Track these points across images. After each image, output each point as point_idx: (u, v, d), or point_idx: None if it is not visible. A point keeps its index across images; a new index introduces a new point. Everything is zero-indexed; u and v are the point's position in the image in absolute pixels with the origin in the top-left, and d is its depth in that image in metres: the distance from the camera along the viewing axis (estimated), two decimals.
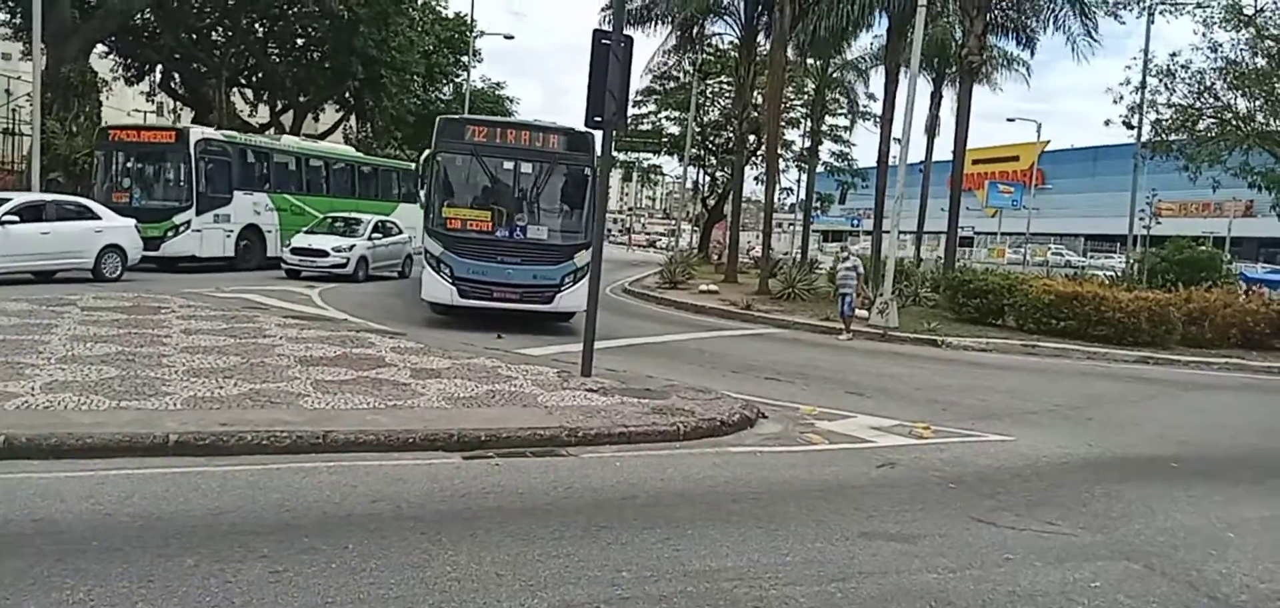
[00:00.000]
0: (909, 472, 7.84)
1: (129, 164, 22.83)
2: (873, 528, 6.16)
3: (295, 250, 22.33)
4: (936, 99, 36.79)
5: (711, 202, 54.25)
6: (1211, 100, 25.52)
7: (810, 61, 37.56)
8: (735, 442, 8.67)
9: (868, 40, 34.81)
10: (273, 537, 5.16)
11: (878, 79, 45.23)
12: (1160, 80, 26.07)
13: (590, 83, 10.14)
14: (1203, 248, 27.25)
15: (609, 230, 51.40)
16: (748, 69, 31.38)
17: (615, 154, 23.97)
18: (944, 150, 35.40)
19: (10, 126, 45.59)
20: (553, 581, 4.80)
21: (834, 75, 39.64)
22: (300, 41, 40.64)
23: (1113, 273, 30.23)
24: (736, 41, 33.78)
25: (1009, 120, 71.52)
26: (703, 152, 49.93)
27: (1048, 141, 67.07)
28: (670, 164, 57.33)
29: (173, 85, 42.69)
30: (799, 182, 51.98)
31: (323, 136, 52.83)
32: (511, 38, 45.17)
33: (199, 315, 12.98)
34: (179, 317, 12.65)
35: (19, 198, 17.79)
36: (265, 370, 9.34)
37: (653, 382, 10.70)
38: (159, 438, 6.71)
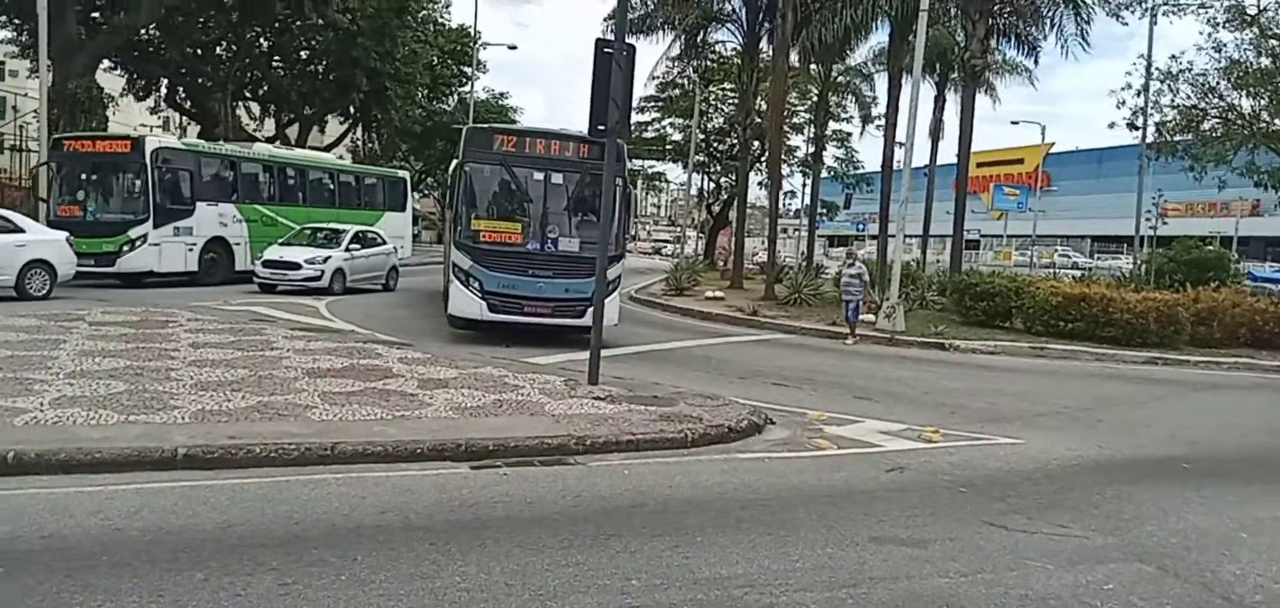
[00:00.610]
0: (918, 476, 7.81)
1: (83, 176, 21.78)
2: (883, 533, 6.14)
3: (267, 263, 21.53)
4: (940, 103, 36.82)
5: (716, 208, 54.26)
6: (1216, 101, 25.43)
7: (813, 67, 37.56)
8: (743, 448, 8.64)
9: (871, 45, 34.81)
10: (282, 549, 5.15)
11: (881, 84, 45.19)
12: (1163, 82, 26.00)
13: (593, 92, 10.14)
14: (1210, 248, 27.18)
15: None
16: (751, 75, 31.39)
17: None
18: (948, 154, 35.37)
19: (18, 143, 45.82)
20: (562, 590, 4.79)
21: (838, 80, 39.64)
22: (304, 55, 40.75)
23: (1120, 274, 30.13)
24: (739, 48, 33.80)
25: (1013, 123, 71.62)
26: (707, 158, 49.95)
27: (1053, 144, 66.85)
28: (675, 171, 57.47)
29: (179, 100, 42.87)
30: (804, 187, 51.96)
31: (329, 148, 53.13)
32: (515, 48, 46.15)
33: (207, 329, 13.00)
34: (186, 331, 12.67)
35: None
36: (273, 383, 9.35)
37: (660, 389, 10.69)
38: (168, 452, 6.71)
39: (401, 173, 33.77)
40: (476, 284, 14.67)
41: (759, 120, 32.65)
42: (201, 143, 25.07)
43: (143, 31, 33.32)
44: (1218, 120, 25.41)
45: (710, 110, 47.33)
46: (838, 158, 49.81)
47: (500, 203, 15.30)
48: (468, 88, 47.22)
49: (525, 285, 14.69)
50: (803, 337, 19.06)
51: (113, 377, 9.04)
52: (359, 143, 54.34)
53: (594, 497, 6.70)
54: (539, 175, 15.09)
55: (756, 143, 35.00)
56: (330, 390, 9.18)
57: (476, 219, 15.01)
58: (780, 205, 35.09)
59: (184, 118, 44.86)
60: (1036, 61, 31.47)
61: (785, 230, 57.76)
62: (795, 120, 44.97)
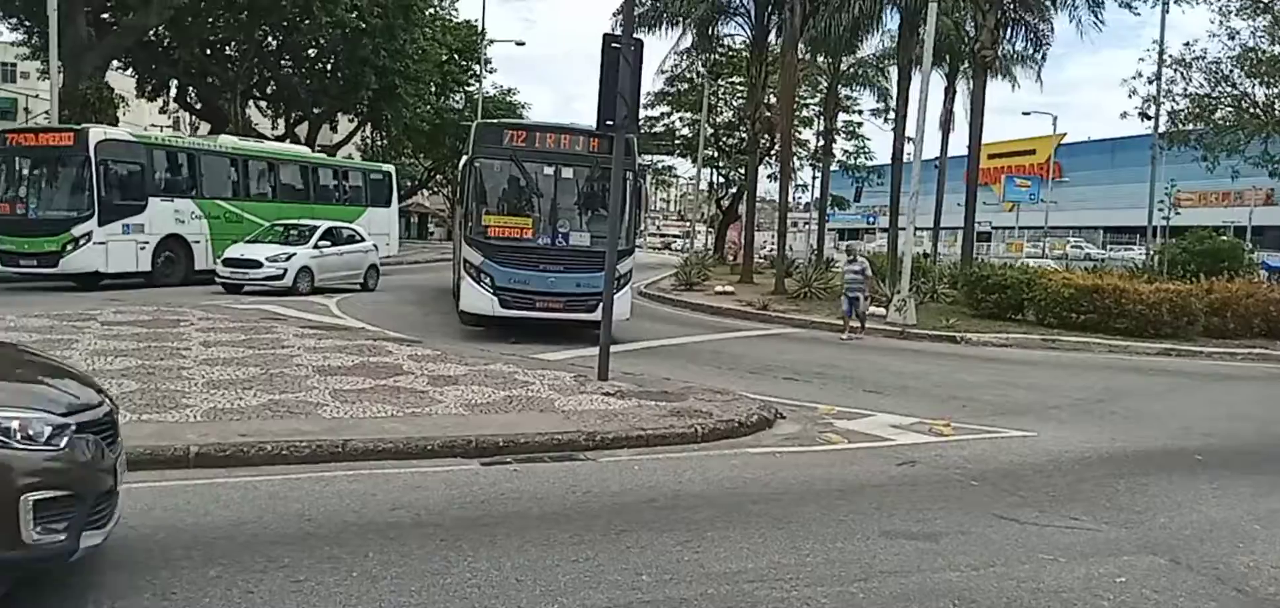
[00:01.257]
0: (930, 470, 7.79)
1: (27, 172, 20.48)
2: (894, 527, 6.12)
3: (227, 262, 20.37)
4: (950, 94, 36.60)
5: (726, 202, 54.17)
6: (1229, 89, 25.25)
7: (822, 60, 37.46)
8: (754, 443, 8.64)
9: (881, 37, 34.68)
10: (293, 546, 5.17)
11: (891, 75, 45.00)
12: (1176, 70, 25.83)
13: (601, 87, 10.14)
14: (1223, 238, 27.05)
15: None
16: (760, 69, 31.30)
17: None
18: (959, 145, 35.24)
19: None
20: (573, 585, 4.79)
21: (847, 72, 39.49)
22: (312, 53, 40.83)
23: (1133, 265, 29.96)
24: (748, 42, 33.73)
25: (1024, 114, 71.11)
26: (716, 152, 49.86)
27: (1064, 134, 66.69)
28: (684, 166, 57.33)
29: (189, 100, 43.05)
30: (814, 180, 51.83)
31: (338, 146, 53.28)
32: (522, 44, 46.39)
33: (218, 328, 13.07)
34: (198, 329, 12.74)
35: None
36: (284, 381, 9.39)
37: (670, 384, 10.68)
38: (180, 450, 6.75)
39: (386, 167, 32.95)
40: (488, 280, 14.65)
41: (768, 114, 32.56)
42: (156, 134, 23.51)
43: (152, 32, 33.41)
44: (1231, 109, 25.23)
45: (719, 104, 47.26)
46: (847, 150, 49.69)
47: (511, 198, 15.28)
48: (475, 85, 47.25)
49: (537, 281, 14.66)
50: (813, 331, 19.01)
51: (125, 375, 9.10)
52: (367, 141, 54.51)
53: (604, 492, 6.71)
54: (549, 170, 15.05)
55: (766, 136, 34.91)
56: (341, 388, 9.21)
57: (487, 215, 14.99)
58: (790, 199, 35.01)
59: (194, 118, 45.04)
60: (1044, 57, 31.26)
61: (795, 224, 57.76)
62: (805, 113, 44.84)
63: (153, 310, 14.73)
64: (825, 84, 40.94)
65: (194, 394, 8.50)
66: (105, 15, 31.62)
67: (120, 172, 20.39)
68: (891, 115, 33.82)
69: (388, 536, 5.46)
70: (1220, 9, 24.32)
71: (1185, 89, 25.75)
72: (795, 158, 43.23)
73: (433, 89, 46.49)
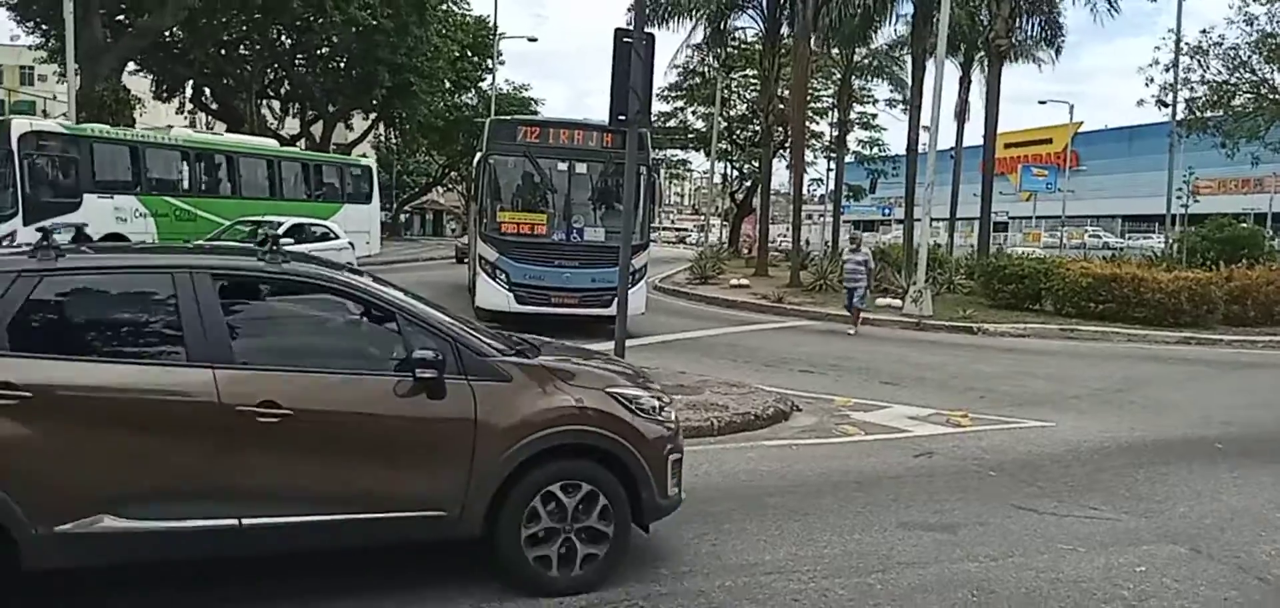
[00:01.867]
0: (947, 461, 7.77)
1: None
2: (911, 518, 6.11)
3: None
4: (965, 84, 36.35)
5: (740, 195, 54.07)
6: (1247, 75, 24.97)
7: (836, 52, 37.30)
8: (770, 436, 8.64)
9: (894, 26, 34.53)
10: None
11: (906, 65, 44.81)
12: (1193, 57, 25.56)
13: (613, 82, 10.13)
14: (1243, 225, 26.73)
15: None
16: (772, 61, 31.22)
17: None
18: (975, 136, 35.01)
19: None
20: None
21: (861, 63, 39.31)
22: (326, 52, 41.03)
23: (1151, 253, 29.72)
24: (760, 34, 33.62)
25: (1041, 103, 70.58)
26: (730, 146, 49.78)
27: (1081, 123, 66.04)
28: (698, 159, 57.31)
29: (204, 100, 43.35)
30: (828, 172, 51.66)
31: (353, 145, 53.53)
32: (535, 40, 45.88)
33: None
34: None
35: None
36: None
37: (685, 378, 10.68)
38: None
39: (365, 161, 31.31)
40: (503, 276, 14.72)
41: (781, 106, 32.48)
42: (93, 127, 21.67)
43: (167, 33, 33.65)
44: (1250, 95, 24.95)
45: (732, 97, 47.16)
46: (862, 141, 49.50)
47: (525, 194, 15.34)
48: (488, 81, 47.35)
49: (552, 276, 14.71)
50: (829, 323, 18.96)
51: None
52: (382, 138, 54.76)
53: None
54: (563, 166, 15.11)
55: (779, 129, 34.82)
56: None
57: (502, 211, 15.08)
58: (805, 191, 34.91)
59: (210, 118, 45.38)
60: (1059, 48, 31.14)
61: (810, 216, 57.54)
62: (818, 105, 44.68)
63: None
64: (839, 76, 40.77)
65: None
66: (121, 17, 31.89)
67: (49, 167, 19.10)
68: (906, 105, 33.65)
69: None
70: None
71: (1203, 76, 25.49)
72: (809, 150, 43.10)
73: (446, 86, 46.61)
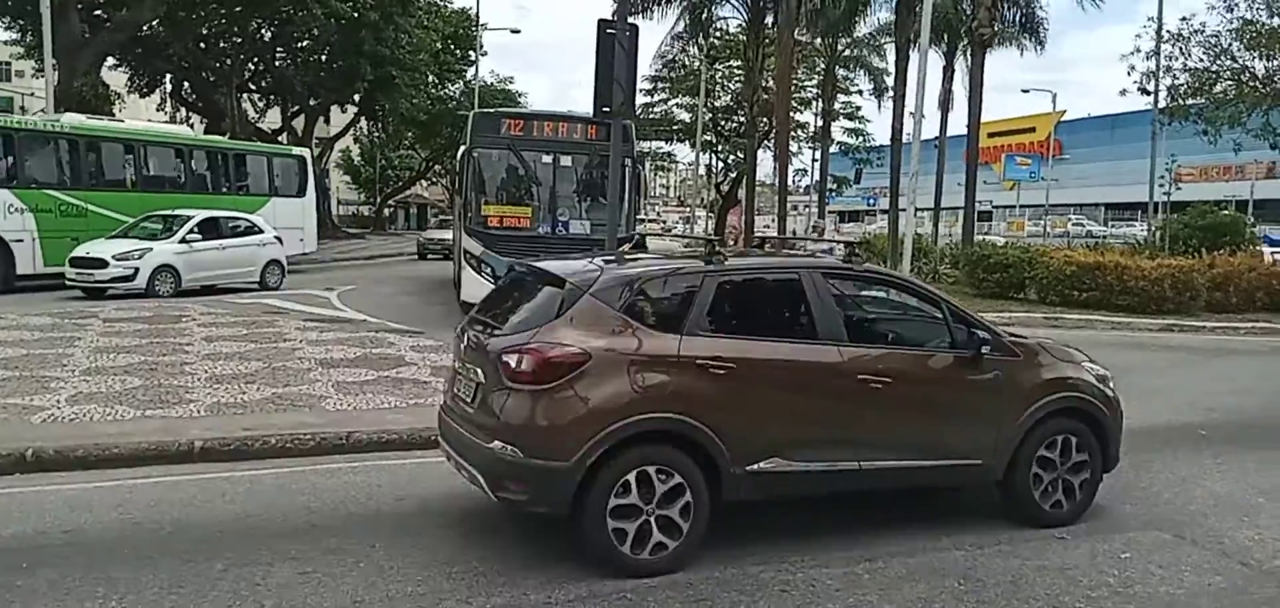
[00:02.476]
0: None
1: None
2: (898, 507, 6.12)
3: (75, 262, 17.26)
4: (949, 73, 36.52)
5: (725, 187, 54.09)
6: (1228, 63, 25.13)
7: (820, 41, 37.36)
8: None
9: (877, 17, 34.62)
10: (299, 539, 5.19)
11: (888, 56, 44.95)
12: (1174, 45, 25.71)
13: (597, 73, 10.10)
14: (1225, 212, 26.91)
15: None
16: (757, 51, 31.21)
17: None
18: (959, 125, 35.16)
19: None
20: (580, 572, 4.80)
21: (844, 53, 39.38)
22: (306, 45, 40.73)
23: (1134, 241, 29.92)
24: (744, 24, 33.62)
25: (1024, 91, 70.90)
26: (715, 137, 49.78)
27: (1064, 111, 66.51)
28: (683, 151, 57.22)
29: (184, 94, 42.99)
30: (813, 163, 51.74)
31: (335, 139, 53.20)
32: (517, 32, 46.03)
33: (220, 323, 13.06)
34: (200, 325, 12.73)
35: None
36: (287, 374, 9.39)
37: None
38: (184, 445, 6.76)
39: (298, 150, 28.92)
40: (489, 270, 14.64)
41: (766, 97, 32.50)
42: None
43: (146, 27, 33.33)
44: (1231, 82, 25.11)
45: (717, 88, 47.15)
46: (847, 131, 49.61)
47: (509, 187, 15.27)
48: (471, 74, 47.17)
49: None
50: None
51: (128, 373, 9.10)
52: (363, 131, 54.43)
53: None
54: (547, 158, 15.06)
55: (764, 120, 34.83)
56: (344, 380, 9.21)
57: (486, 205, 15.01)
58: (790, 182, 34.96)
59: (190, 112, 45.02)
60: (1042, 41, 31.37)
61: (795, 207, 57.65)
62: (803, 95, 44.73)
63: (154, 307, 14.72)
64: (823, 66, 40.84)
65: (197, 389, 8.50)
66: (99, 12, 31.58)
67: None
68: (890, 93, 33.76)
69: (394, 526, 5.48)
70: None
71: (1184, 64, 25.64)
72: (794, 141, 43.18)
73: (429, 79, 46.35)
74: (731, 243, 41.31)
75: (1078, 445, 5.86)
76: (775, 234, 31.06)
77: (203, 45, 38.37)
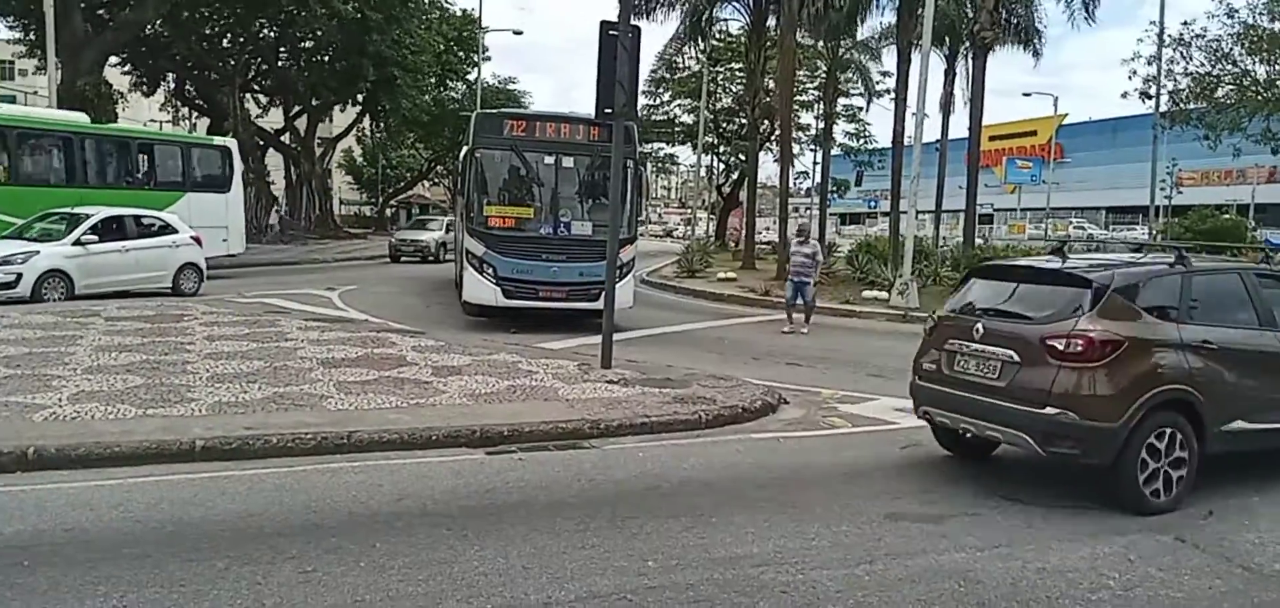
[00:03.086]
0: (934, 452, 7.78)
1: None
2: (899, 509, 6.13)
3: None
4: (950, 76, 36.48)
5: (727, 189, 54.10)
6: (1229, 67, 25.13)
7: (821, 45, 37.35)
8: (758, 428, 8.65)
9: (878, 20, 34.66)
10: (301, 538, 5.19)
11: (890, 58, 44.94)
12: (1176, 49, 25.72)
13: (599, 75, 10.12)
14: (1226, 216, 26.96)
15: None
16: (758, 54, 31.19)
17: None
18: (960, 128, 35.16)
19: None
20: (579, 572, 4.81)
21: (846, 56, 39.36)
22: (309, 45, 40.76)
23: (1136, 245, 29.92)
24: (746, 27, 33.61)
25: (1025, 95, 70.83)
26: (717, 139, 49.78)
27: (1065, 115, 66.49)
28: (685, 153, 57.30)
29: (187, 93, 43.02)
30: (815, 165, 51.75)
31: (338, 139, 53.23)
32: (520, 33, 46.42)
33: (221, 322, 13.08)
34: (202, 324, 12.75)
35: None
36: (288, 374, 9.40)
37: (673, 371, 10.69)
38: (186, 444, 6.76)
39: (219, 140, 25.73)
40: (490, 270, 14.66)
41: (767, 99, 32.50)
42: None
43: (149, 26, 33.34)
44: (1232, 87, 25.11)
45: (718, 91, 47.16)
46: (848, 134, 49.60)
47: (512, 188, 15.27)
48: (474, 75, 47.17)
49: (540, 270, 14.68)
50: (815, 315, 18.97)
51: (129, 371, 9.11)
52: (366, 132, 54.46)
53: (609, 480, 6.71)
54: (550, 159, 15.04)
55: (765, 122, 34.82)
56: (345, 380, 9.22)
57: (488, 205, 15.00)
58: (791, 184, 34.95)
59: (193, 111, 45.06)
60: (1037, 53, 31.43)
61: (797, 209, 57.64)
62: (804, 97, 44.72)
63: (156, 306, 14.74)
64: (824, 68, 40.82)
65: (199, 388, 8.51)
66: (102, 11, 31.59)
67: None
68: (890, 95, 33.73)
69: (394, 526, 5.48)
70: None
71: (1186, 69, 25.64)
72: (796, 143, 43.16)
73: (432, 80, 46.37)
74: (733, 245, 41.36)
75: None
76: (775, 237, 31.03)
77: (206, 45, 38.38)
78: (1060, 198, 64.58)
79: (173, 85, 42.50)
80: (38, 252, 15.75)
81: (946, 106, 36.83)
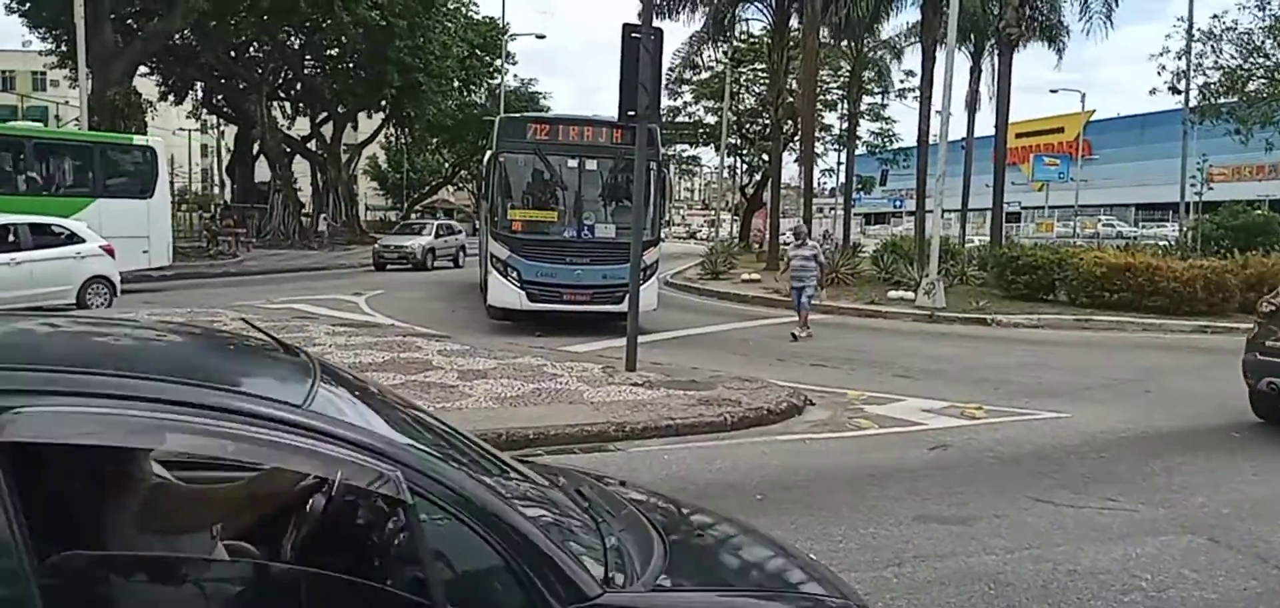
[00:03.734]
0: (962, 453, 7.74)
1: None
2: (927, 511, 6.09)
3: None
4: (976, 74, 36.26)
5: (750, 190, 54.01)
6: (1261, 60, 24.77)
7: (845, 43, 37.22)
8: (783, 430, 8.62)
9: (903, 18, 34.48)
10: None
11: (914, 57, 44.70)
12: (1205, 43, 25.39)
13: (622, 77, 10.12)
14: (1259, 212, 26.49)
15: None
16: (781, 54, 31.14)
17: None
18: (986, 126, 34.90)
19: None
20: None
21: (869, 55, 39.20)
22: (335, 52, 41.16)
23: (1166, 242, 29.54)
24: (769, 27, 33.56)
25: (1052, 92, 70.01)
26: (740, 140, 49.71)
27: (1093, 111, 65.66)
28: (708, 155, 57.24)
29: (215, 102, 43.58)
30: (839, 165, 51.55)
31: (363, 145, 53.68)
32: (543, 37, 45.62)
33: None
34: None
35: None
36: None
37: (698, 373, 10.67)
38: None
39: (139, 139, 22.64)
40: (515, 274, 14.72)
41: (791, 99, 32.43)
42: None
43: (177, 36, 33.82)
44: (1264, 80, 24.75)
45: (741, 91, 47.09)
46: (873, 132, 49.39)
47: (535, 192, 15.34)
48: (497, 80, 47.42)
49: (563, 273, 14.73)
50: (841, 316, 18.90)
51: None
52: (393, 137, 54.89)
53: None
54: (573, 162, 15.09)
55: (788, 122, 34.72)
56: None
57: (513, 209, 15.08)
58: (815, 184, 34.85)
59: (221, 120, 45.63)
60: (1061, 50, 31.19)
61: (821, 210, 57.41)
62: (828, 97, 44.58)
63: (186, 311, 14.92)
64: (848, 68, 40.67)
65: None
66: (131, 21, 32.09)
67: None
68: (916, 94, 33.53)
69: None
70: None
71: (1216, 62, 25.32)
72: (819, 142, 43.04)
73: (455, 85, 46.65)
74: (757, 246, 41.27)
75: None
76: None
77: (233, 54, 38.88)
78: (1088, 195, 63.76)
79: (201, 94, 43.07)
80: None
81: (972, 104, 36.63)
